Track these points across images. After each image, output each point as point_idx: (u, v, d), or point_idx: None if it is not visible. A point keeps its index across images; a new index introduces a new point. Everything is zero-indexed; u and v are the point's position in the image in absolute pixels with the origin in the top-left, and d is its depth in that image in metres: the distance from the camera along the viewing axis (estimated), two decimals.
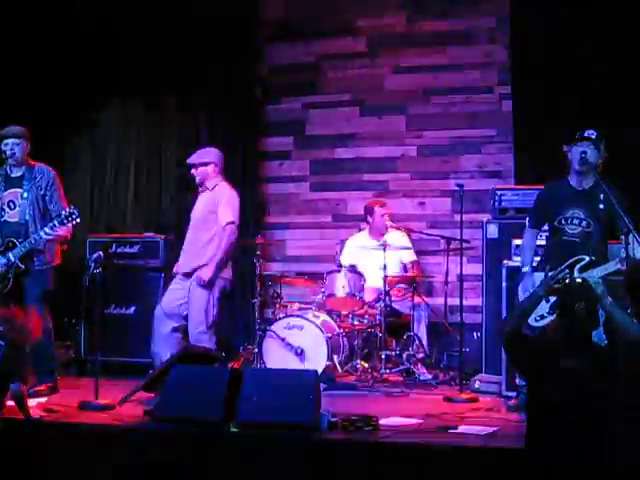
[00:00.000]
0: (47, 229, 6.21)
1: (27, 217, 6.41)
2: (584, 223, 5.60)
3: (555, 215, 5.67)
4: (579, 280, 4.21)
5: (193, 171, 6.76)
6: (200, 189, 6.83)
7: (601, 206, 5.52)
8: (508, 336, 4.23)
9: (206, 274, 6.49)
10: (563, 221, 5.65)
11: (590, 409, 3.68)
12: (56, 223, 6.18)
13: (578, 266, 5.41)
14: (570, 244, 5.59)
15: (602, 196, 5.49)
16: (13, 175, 6.53)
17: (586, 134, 5.59)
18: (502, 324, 4.48)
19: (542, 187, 5.98)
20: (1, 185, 6.54)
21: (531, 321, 5.19)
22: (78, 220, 6.22)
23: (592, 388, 3.58)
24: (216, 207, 6.61)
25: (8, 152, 6.45)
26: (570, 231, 5.63)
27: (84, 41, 8.47)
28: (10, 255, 6.28)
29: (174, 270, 6.89)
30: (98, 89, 8.65)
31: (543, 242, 5.97)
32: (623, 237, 5.32)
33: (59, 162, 6.92)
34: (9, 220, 6.45)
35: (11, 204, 6.48)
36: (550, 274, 4.73)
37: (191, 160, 6.80)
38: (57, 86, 8.40)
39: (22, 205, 6.43)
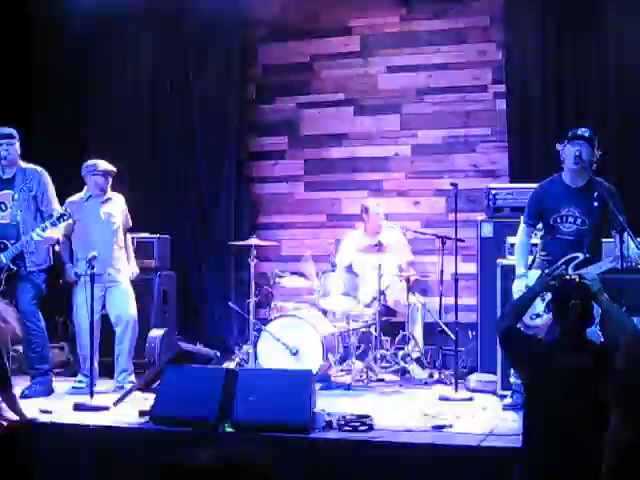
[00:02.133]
0: (38, 230, 6.19)
1: (18, 218, 6.39)
2: (579, 221, 5.60)
3: (550, 213, 5.67)
4: (576, 277, 4.21)
5: (107, 179, 6.86)
6: (97, 195, 6.84)
7: (595, 204, 5.53)
8: (504, 333, 4.23)
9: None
10: (558, 219, 5.65)
11: (587, 407, 3.69)
12: (47, 224, 6.17)
13: (572, 264, 5.42)
14: (565, 242, 5.59)
15: (596, 194, 5.50)
16: (4, 177, 6.51)
17: (579, 132, 5.60)
18: (498, 321, 4.47)
19: (536, 185, 5.98)
20: None
21: (526, 319, 5.20)
22: (70, 221, 6.21)
23: (589, 386, 3.59)
24: (122, 214, 6.99)
25: (2, 153, 6.42)
26: (565, 229, 5.64)
27: (76, 39, 8.46)
28: (2, 257, 6.26)
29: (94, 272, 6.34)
30: (94, 88, 8.65)
31: (536, 240, 5.97)
32: (617, 235, 5.32)
33: (56, 163, 6.89)
34: (0, 222, 6.43)
35: (2, 205, 6.46)
36: (547, 271, 4.73)
37: (112, 168, 6.90)
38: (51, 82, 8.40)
39: (13, 207, 6.42)
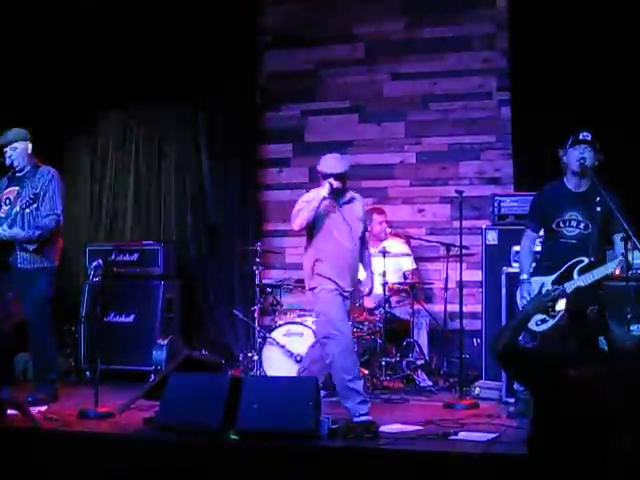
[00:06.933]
0: (5, 226, 6.24)
1: (13, 212, 6.42)
2: (582, 225, 5.60)
3: (553, 218, 5.67)
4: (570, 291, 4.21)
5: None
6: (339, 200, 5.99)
7: (598, 208, 5.51)
8: (501, 354, 4.21)
9: None
10: (561, 224, 5.64)
11: (595, 416, 3.66)
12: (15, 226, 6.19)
13: (578, 268, 5.42)
14: (568, 246, 5.58)
15: (599, 199, 5.49)
16: (18, 174, 6.58)
17: (581, 137, 5.59)
18: (493, 344, 4.43)
19: (539, 191, 5.98)
20: (5, 182, 6.61)
21: (532, 325, 5.18)
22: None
23: (599, 395, 3.57)
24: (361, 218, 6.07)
25: (7, 161, 6.50)
26: (568, 233, 5.62)
27: (86, 40, 8.49)
28: None
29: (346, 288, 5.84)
30: (99, 94, 8.67)
31: (539, 248, 5.96)
32: (621, 241, 5.30)
33: (59, 169, 6.89)
34: (1, 216, 6.48)
35: (7, 201, 6.53)
36: (544, 291, 4.72)
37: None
38: (59, 90, 8.42)
39: (13, 201, 6.47)
